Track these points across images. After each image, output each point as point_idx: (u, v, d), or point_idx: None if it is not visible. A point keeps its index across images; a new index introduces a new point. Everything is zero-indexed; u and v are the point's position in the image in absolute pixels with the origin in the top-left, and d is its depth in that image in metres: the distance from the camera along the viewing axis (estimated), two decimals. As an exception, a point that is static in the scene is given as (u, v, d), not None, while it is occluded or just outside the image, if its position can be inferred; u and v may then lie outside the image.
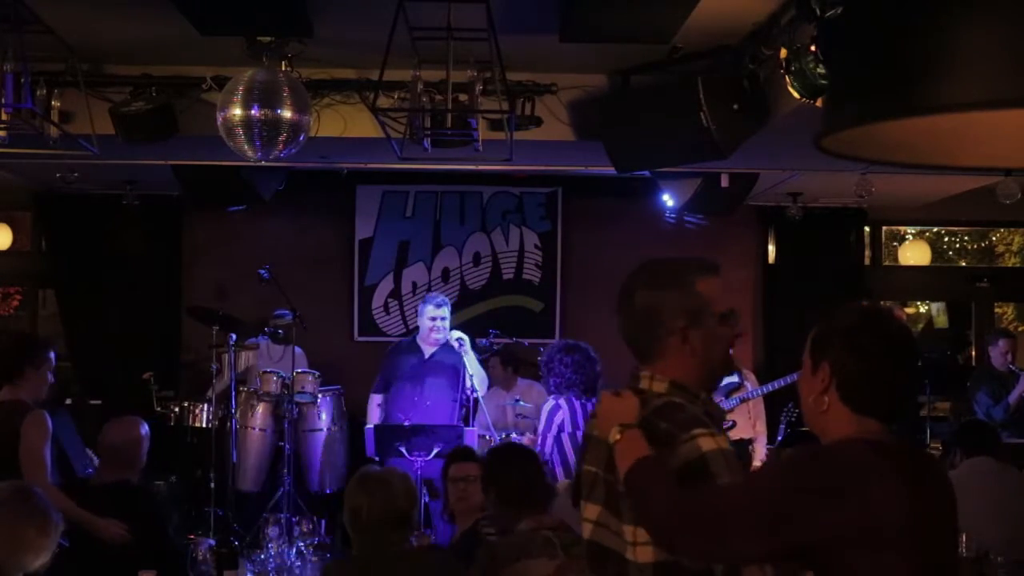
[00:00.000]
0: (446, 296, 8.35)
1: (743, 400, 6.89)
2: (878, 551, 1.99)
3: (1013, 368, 7.49)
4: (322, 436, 7.60)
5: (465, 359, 6.73)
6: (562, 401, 5.82)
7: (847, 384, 2.12)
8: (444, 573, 3.39)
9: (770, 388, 6.82)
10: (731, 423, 6.79)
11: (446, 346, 6.94)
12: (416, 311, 8.87)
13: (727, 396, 6.84)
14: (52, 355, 4.86)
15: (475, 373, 6.83)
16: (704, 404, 2.29)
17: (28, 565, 2.87)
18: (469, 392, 6.78)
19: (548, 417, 5.82)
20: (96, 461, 6.03)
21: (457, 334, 6.75)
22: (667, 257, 2.43)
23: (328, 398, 7.63)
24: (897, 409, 2.18)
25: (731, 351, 2.34)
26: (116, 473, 4.65)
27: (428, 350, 6.94)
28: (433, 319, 6.86)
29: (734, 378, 6.95)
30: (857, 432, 2.11)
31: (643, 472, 2.11)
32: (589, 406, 5.73)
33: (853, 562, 2.01)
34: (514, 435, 6.73)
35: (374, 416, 6.93)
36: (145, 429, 4.76)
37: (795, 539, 2.01)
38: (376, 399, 7.04)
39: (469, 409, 6.94)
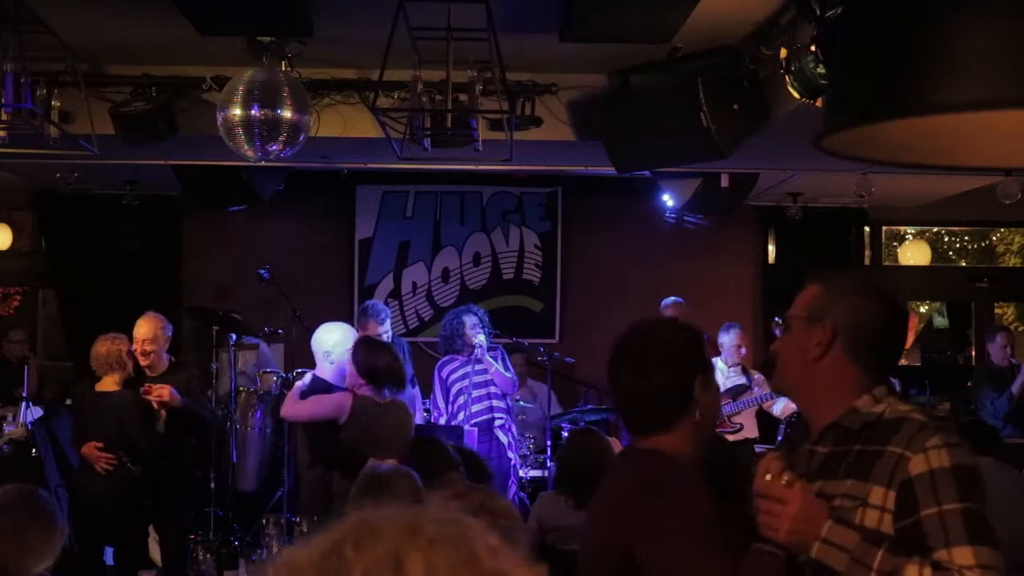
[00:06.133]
0: (446, 296, 8.42)
1: (759, 402, 6.86)
2: None
3: (1013, 362, 7.51)
4: (322, 436, 7.59)
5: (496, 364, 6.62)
6: None
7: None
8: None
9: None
10: (739, 426, 6.77)
11: None
12: (418, 312, 8.95)
13: (734, 399, 6.81)
14: None
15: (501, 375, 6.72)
16: None
17: (32, 569, 2.86)
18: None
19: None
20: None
21: (481, 338, 6.64)
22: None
23: (328, 398, 7.62)
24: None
25: None
26: None
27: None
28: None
29: (742, 379, 6.94)
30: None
31: None
32: None
33: None
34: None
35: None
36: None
37: None
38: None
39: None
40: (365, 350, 5.33)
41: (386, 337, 6.35)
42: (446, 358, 6.50)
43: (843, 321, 2.12)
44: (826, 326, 2.13)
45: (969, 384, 7.89)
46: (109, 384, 5.66)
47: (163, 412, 5.59)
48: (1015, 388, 7.29)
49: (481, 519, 3.31)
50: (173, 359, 5.90)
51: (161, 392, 5.49)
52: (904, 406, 2.09)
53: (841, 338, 2.12)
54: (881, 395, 2.10)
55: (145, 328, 5.71)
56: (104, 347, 5.68)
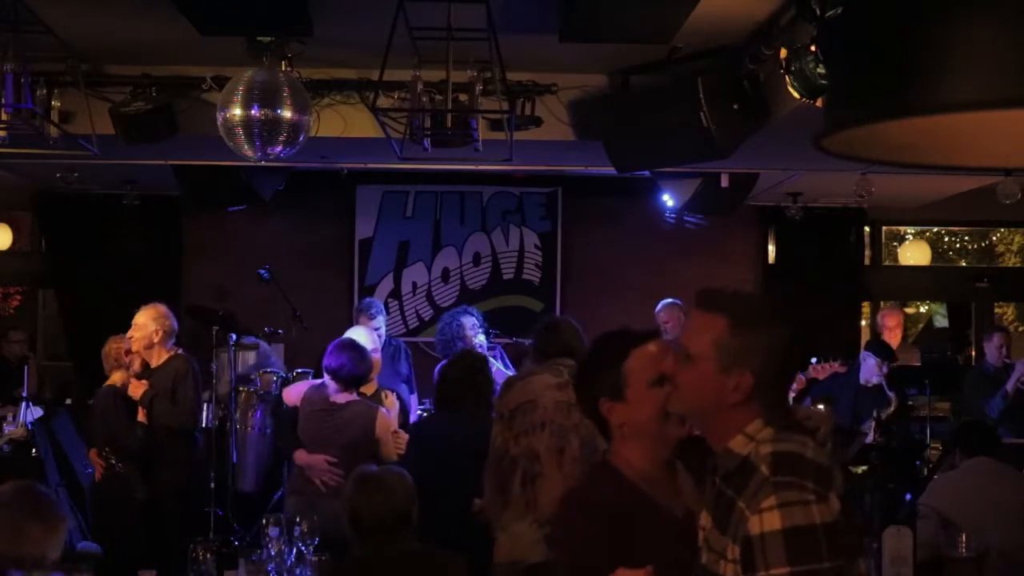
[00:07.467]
0: (446, 296, 8.38)
1: None
2: None
3: (1008, 362, 7.50)
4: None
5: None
6: None
7: (768, 380, 2.05)
8: (449, 574, 3.37)
9: None
10: None
11: None
12: (418, 312, 8.95)
13: None
14: None
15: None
16: None
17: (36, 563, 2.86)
18: None
19: None
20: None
21: (481, 338, 6.63)
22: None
23: (328, 398, 7.62)
24: None
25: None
26: None
27: None
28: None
29: None
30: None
31: None
32: None
33: None
34: None
35: None
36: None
37: None
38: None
39: None
40: (333, 348, 5.41)
41: (378, 334, 6.38)
42: (446, 361, 6.50)
43: (764, 370, 2.04)
44: (745, 374, 2.03)
45: (964, 385, 7.86)
46: (110, 383, 5.76)
47: (141, 409, 5.60)
48: (1009, 386, 7.29)
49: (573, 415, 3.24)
50: (180, 353, 5.84)
51: (133, 391, 5.58)
52: (767, 447, 1.99)
53: (760, 383, 2.04)
54: (754, 431, 2.02)
55: (138, 317, 5.71)
56: (107, 346, 5.90)
